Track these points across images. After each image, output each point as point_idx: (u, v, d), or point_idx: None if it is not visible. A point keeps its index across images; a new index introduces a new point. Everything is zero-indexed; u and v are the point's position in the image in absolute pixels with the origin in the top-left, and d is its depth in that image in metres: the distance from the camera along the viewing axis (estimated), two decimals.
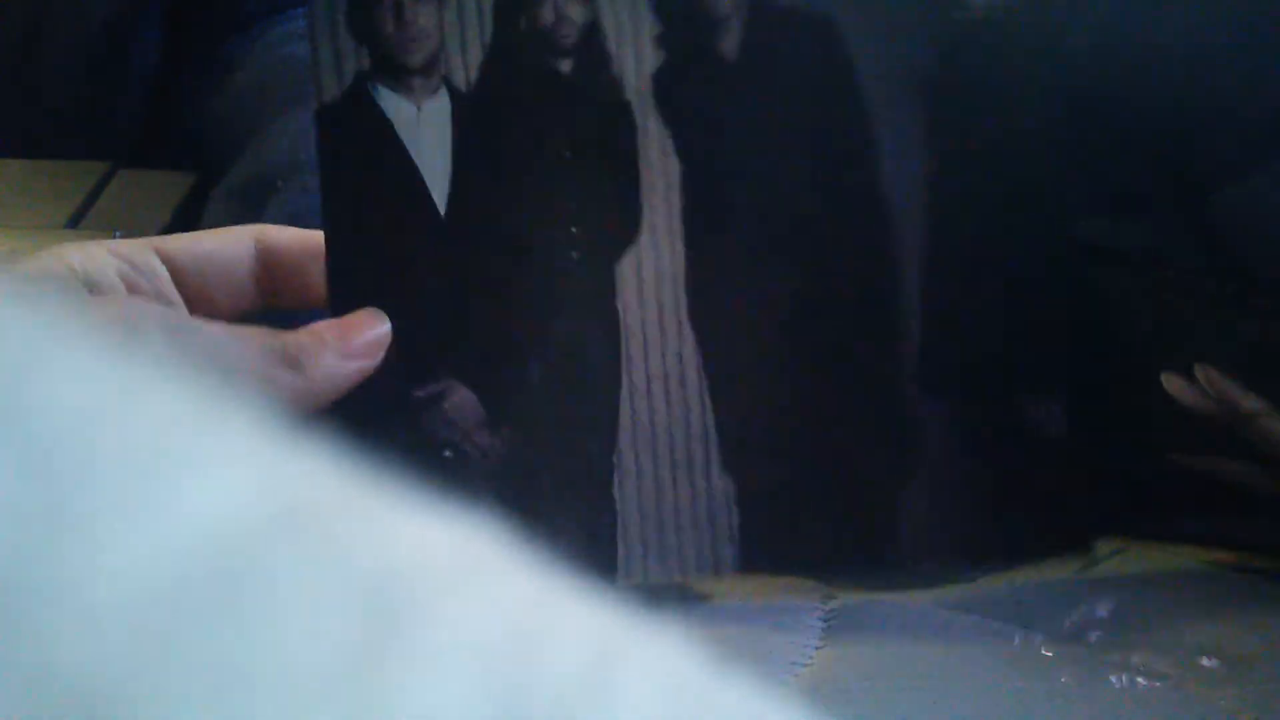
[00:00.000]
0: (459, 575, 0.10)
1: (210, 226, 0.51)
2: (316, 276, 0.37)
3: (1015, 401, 0.45)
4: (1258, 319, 0.46)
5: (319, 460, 0.11)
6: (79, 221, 0.50)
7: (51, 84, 0.58)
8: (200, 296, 0.36)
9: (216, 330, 0.33)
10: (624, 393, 0.41)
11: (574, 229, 0.41)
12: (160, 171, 0.55)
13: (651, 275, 0.42)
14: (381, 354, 0.37)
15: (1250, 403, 0.44)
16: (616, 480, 0.41)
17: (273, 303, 0.38)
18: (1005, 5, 0.56)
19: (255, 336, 0.33)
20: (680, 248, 0.41)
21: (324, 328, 0.36)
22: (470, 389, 0.41)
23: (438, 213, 0.40)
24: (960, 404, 0.44)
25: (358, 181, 0.40)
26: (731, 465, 0.41)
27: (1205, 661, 0.39)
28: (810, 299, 0.43)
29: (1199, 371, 0.46)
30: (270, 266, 0.37)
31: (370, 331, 0.37)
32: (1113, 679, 0.38)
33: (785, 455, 0.42)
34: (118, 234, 0.47)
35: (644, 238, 0.42)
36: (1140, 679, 0.38)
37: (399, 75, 0.41)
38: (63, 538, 0.08)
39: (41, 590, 0.07)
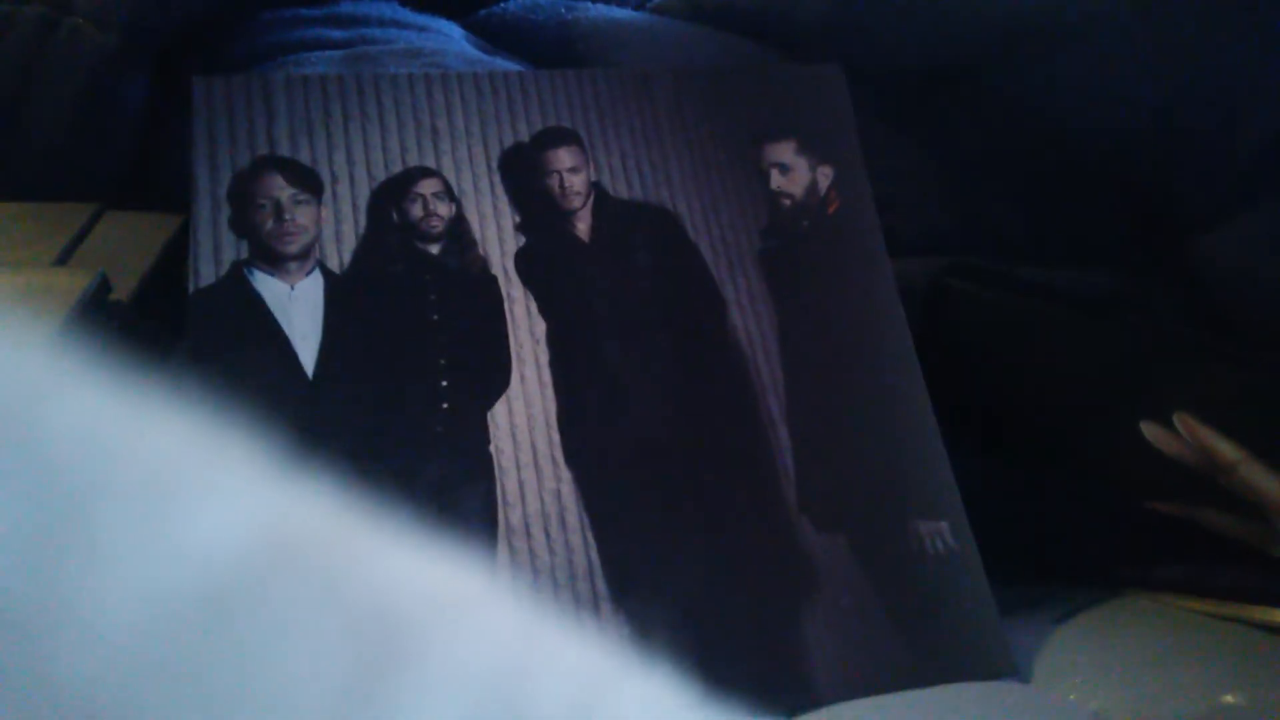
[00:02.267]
0: (451, 609, 0.11)
1: (197, 267, 0.51)
2: None
3: (906, 526, 0.46)
4: (1237, 366, 0.46)
5: (314, 493, 0.11)
6: (66, 261, 0.50)
7: (40, 126, 0.59)
8: None
9: None
10: (501, 532, 0.42)
11: (444, 383, 0.44)
12: (148, 213, 0.55)
13: (524, 420, 0.44)
14: None
15: (1229, 451, 0.44)
16: None
17: None
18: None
19: None
20: (551, 395, 0.45)
21: None
22: None
23: (305, 375, 0.44)
24: (851, 532, 0.45)
25: (228, 353, 0.44)
26: (621, 602, 0.42)
27: None
28: (682, 437, 0.45)
29: (1178, 419, 0.46)
30: None
31: None
32: None
33: (676, 590, 0.43)
34: (101, 271, 0.47)
35: (515, 387, 0.45)
36: None
37: (275, 261, 0.46)
38: (68, 563, 0.08)
39: (47, 613, 0.07)
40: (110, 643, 0.07)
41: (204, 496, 0.10)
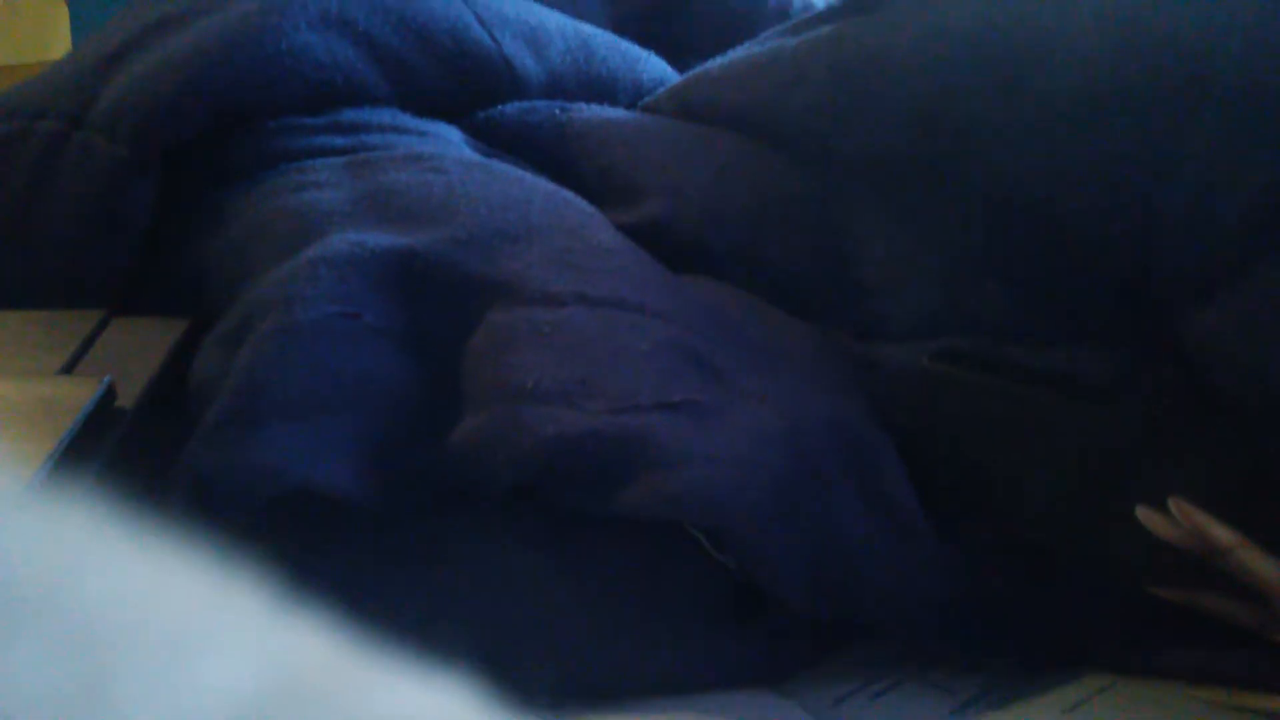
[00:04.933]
0: None
1: (200, 373, 0.52)
2: None
3: None
4: (1229, 449, 0.47)
5: (319, 635, 0.11)
6: (73, 368, 0.51)
7: (49, 236, 0.60)
8: None
9: None
10: None
11: None
12: (154, 318, 0.56)
13: None
14: None
15: (1224, 536, 0.44)
16: None
17: None
18: None
19: None
20: None
21: None
22: None
23: None
24: None
25: None
26: None
27: None
28: None
29: (1172, 504, 0.46)
30: None
31: None
32: None
33: None
34: (107, 380, 0.48)
35: None
36: None
37: None
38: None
39: None
40: None
41: (218, 643, 0.10)
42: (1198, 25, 0.55)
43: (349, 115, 0.63)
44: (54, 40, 1.41)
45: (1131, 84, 0.57)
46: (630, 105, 0.72)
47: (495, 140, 0.66)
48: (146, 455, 0.49)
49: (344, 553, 0.50)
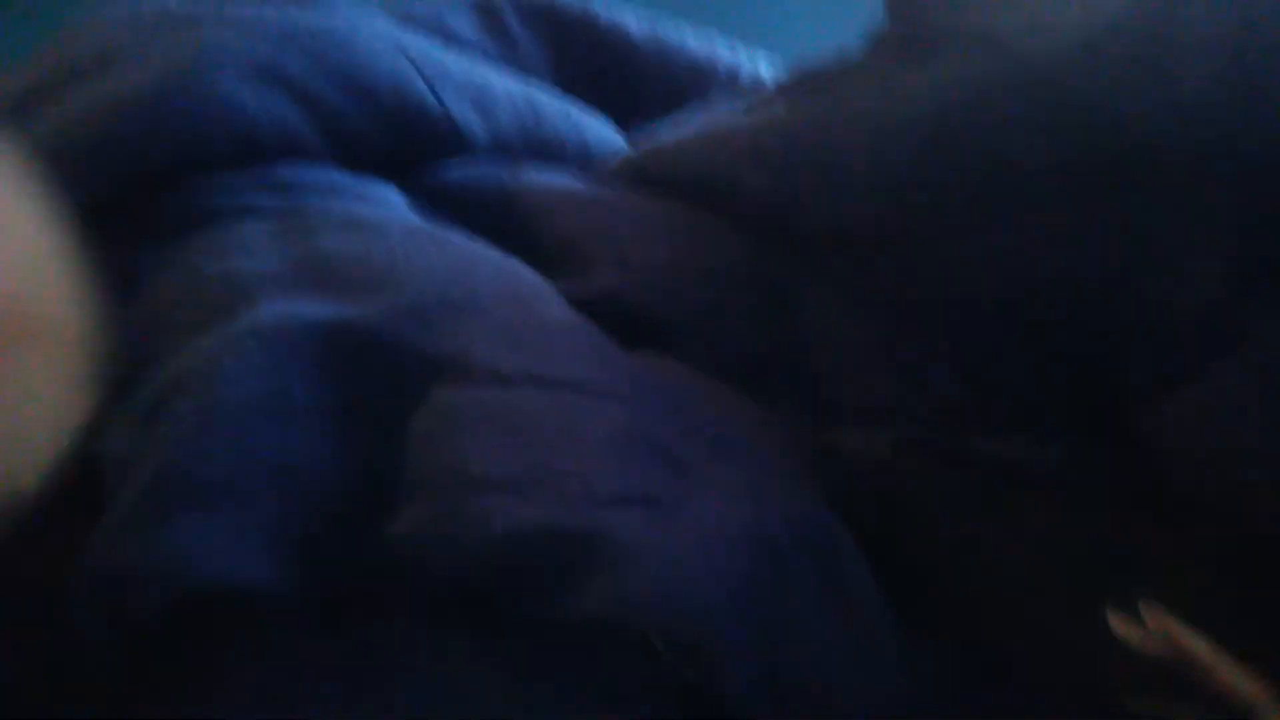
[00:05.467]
0: None
1: (112, 451, 0.47)
2: None
3: None
4: (1199, 550, 0.46)
5: None
6: None
7: None
8: None
9: None
10: None
11: None
12: None
13: None
14: None
15: (1204, 653, 0.43)
16: None
17: None
18: None
19: None
20: None
21: None
22: None
23: None
24: None
25: None
26: None
27: None
28: None
29: (1145, 613, 0.45)
30: None
31: None
32: None
33: None
34: None
35: None
36: None
37: None
38: None
39: None
40: None
41: None
42: (1146, 101, 0.55)
43: (282, 173, 0.59)
44: None
45: (1079, 162, 0.56)
46: (578, 168, 0.70)
47: (438, 203, 0.63)
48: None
49: (262, 656, 0.45)
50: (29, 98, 0.58)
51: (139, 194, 0.57)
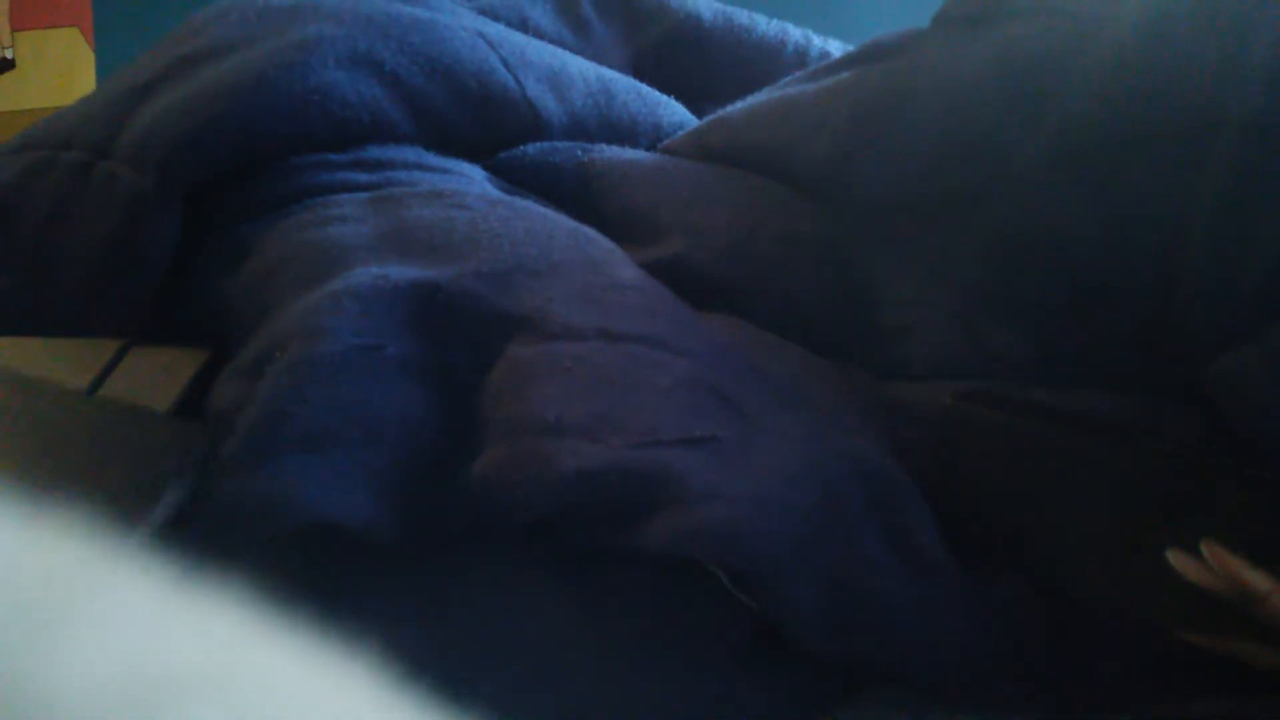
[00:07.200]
0: None
1: (217, 405, 0.52)
2: None
3: None
4: (1259, 491, 0.46)
5: (212, 621, 0.11)
6: (92, 395, 0.51)
7: (71, 264, 0.60)
8: None
9: None
10: None
11: None
12: (174, 349, 0.56)
13: None
14: None
15: (1260, 581, 0.43)
16: None
17: None
18: None
19: None
20: None
21: None
22: None
23: None
24: None
25: None
26: None
27: None
28: None
29: (1205, 548, 0.45)
30: None
31: None
32: None
33: None
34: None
35: None
36: None
37: None
38: None
39: None
40: None
41: (97, 624, 0.10)
42: (1211, 63, 0.55)
43: (374, 152, 0.63)
44: (79, 83, 1.43)
45: (1143, 123, 0.56)
46: (650, 148, 0.72)
47: (517, 179, 0.66)
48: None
49: (358, 585, 0.49)
50: (148, 84, 0.64)
51: (245, 172, 0.61)
